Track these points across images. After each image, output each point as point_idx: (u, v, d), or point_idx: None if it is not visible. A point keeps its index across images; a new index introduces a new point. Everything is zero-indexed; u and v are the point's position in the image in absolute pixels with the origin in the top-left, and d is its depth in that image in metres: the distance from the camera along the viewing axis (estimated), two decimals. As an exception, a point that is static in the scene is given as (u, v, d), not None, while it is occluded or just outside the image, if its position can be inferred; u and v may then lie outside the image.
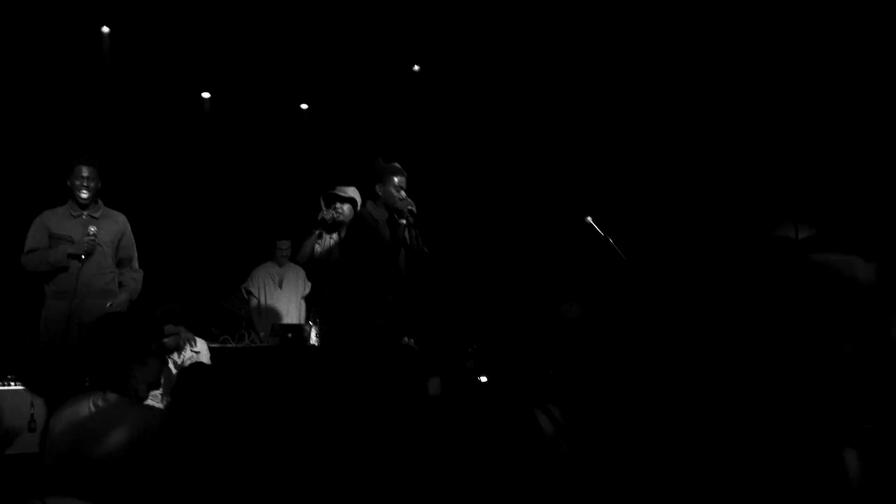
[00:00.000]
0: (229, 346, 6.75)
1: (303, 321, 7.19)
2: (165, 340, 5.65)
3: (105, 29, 7.50)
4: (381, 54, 7.90)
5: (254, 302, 7.39)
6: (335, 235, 5.88)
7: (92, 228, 5.33)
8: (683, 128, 7.20)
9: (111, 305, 5.35)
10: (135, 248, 5.74)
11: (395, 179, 5.30)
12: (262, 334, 7.09)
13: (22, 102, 7.06)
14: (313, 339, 6.57)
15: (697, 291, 5.99)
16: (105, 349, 3.12)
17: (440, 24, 7.55)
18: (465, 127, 8.21)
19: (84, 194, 5.40)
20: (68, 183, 5.44)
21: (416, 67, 8.28)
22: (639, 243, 6.30)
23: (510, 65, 7.80)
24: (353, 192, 5.87)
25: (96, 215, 5.48)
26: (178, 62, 7.83)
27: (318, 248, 5.91)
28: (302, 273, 7.37)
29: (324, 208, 5.83)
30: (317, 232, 5.88)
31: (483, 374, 4.85)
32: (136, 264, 5.73)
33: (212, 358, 6.12)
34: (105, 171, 7.06)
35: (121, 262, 5.61)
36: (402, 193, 5.27)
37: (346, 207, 5.82)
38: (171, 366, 5.73)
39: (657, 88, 7.27)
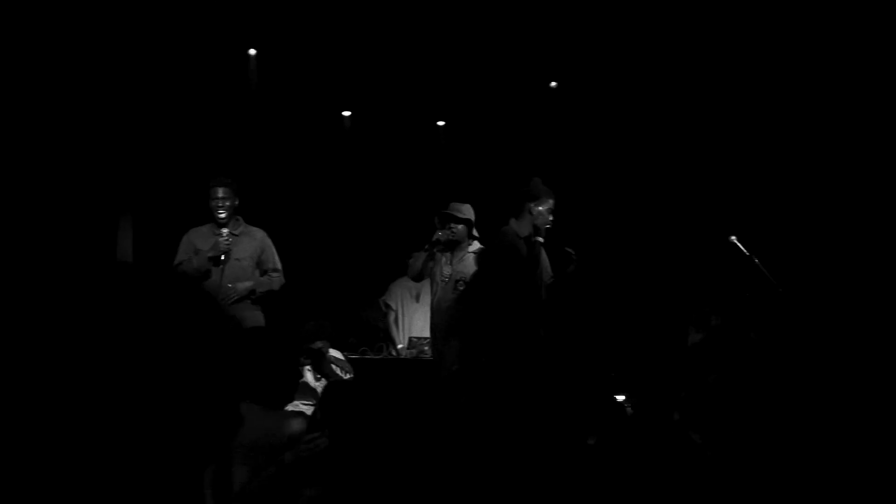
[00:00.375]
0: (368, 357, 6.93)
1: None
2: (314, 347, 5.89)
3: (252, 51, 7.77)
4: (518, 71, 7.91)
5: (392, 315, 7.52)
6: (448, 254, 5.89)
7: (224, 230, 5.65)
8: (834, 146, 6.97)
9: (232, 286, 5.61)
10: (277, 260, 5.99)
11: (550, 202, 5.54)
12: (399, 346, 7.23)
13: (173, 123, 7.37)
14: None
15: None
16: (250, 361, 3.23)
17: (576, 40, 7.53)
18: (604, 144, 8.14)
19: (221, 214, 5.71)
20: (210, 204, 5.76)
21: (553, 84, 8.25)
22: (786, 264, 6.14)
23: (653, 80, 7.70)
24: (468, 211, 5.89)
25: (236, 232, 5.80)
26: (319, 82, 8.07)
27: (430, 265, 5.95)
28: (439, 287, 7.47)
29: (439, 228, 5.83)
30: (431, 250, 5.90)
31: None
32: (276, 273, 5.97)
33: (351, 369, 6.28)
34: (248, 188, 7.40)
35: (264, 273, 5.90)
36: (551, 218, 5.35)
37: (461, 227, 5.84)
38: (310, 378, 5.92)
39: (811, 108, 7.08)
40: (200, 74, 7.44)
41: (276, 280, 5.94)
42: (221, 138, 7.65)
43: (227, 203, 5.70)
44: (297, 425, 3.17)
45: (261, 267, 5.89)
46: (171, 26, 6.95)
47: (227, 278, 5.63)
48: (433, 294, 6.00)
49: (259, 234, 5.94)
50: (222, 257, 5.62)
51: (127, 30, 6.75)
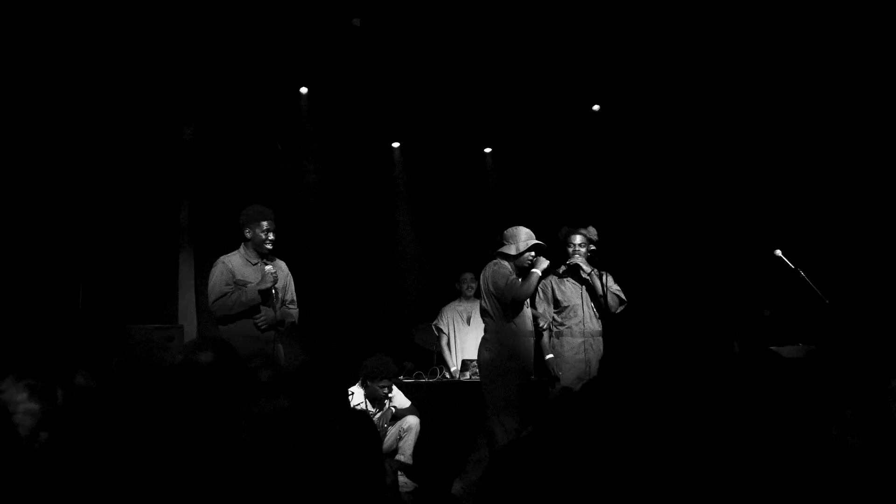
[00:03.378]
0: (423, 381, 7.05)
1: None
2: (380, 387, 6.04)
3: (303, 90, 8.04)
4: (561, 95, 8.04)
5: (444, 339, 7.65)
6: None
7: (268, 267, 5.64)
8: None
9: (258, 318, 5.57)
10: (294, 292, 5.93)
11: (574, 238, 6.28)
12: (452, 369, 7.35)
13: (223, 157, 7.63)
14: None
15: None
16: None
17: (618, 63, 7.63)
18: (647, 164, 8.21)
19: (270, 246, 5.69)
20: (248, 233, 5.68)
21: (596, 107, 8.36)
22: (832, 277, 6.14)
23: (696, 97, 7.77)
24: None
25: (268, 262, 5.75)
26: (368, 116, 8.29)
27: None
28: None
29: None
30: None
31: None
32: (293, 305, 5.90)
33: (407, 393, 6.43)
34: (304, 216, 7.60)
35: (282, 304, 5.79)
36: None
37: None
38: (367, 407, 6.08)
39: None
40: (250, 110, 7.67)
41: (296, 313, 5.91)
42: (277, 169, 7.89)
43: (273, 236, 5.69)
44: None
45: (283, 297, 5.80)
46: (224, 57, 7.17)
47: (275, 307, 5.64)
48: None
49: (285, 266, 5.91)
50: (273, 291, 5.60)
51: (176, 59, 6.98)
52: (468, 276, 7.63)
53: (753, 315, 6.75)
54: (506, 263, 5.91)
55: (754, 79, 7.43)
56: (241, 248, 5.75)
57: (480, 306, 6.08)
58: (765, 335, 6.36)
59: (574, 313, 6.22)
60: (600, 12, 6.98)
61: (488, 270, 5.94)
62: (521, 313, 5.92)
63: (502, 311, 5.87)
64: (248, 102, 7.59)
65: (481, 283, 6.00)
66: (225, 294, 5.54)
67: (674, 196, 8.12)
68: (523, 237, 5.92)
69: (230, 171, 7.58)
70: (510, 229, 6.04)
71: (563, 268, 6.31)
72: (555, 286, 6.33)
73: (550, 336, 6.28)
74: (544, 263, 5.87)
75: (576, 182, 8.38)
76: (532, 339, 6.01)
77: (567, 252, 6.28)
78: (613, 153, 8.27)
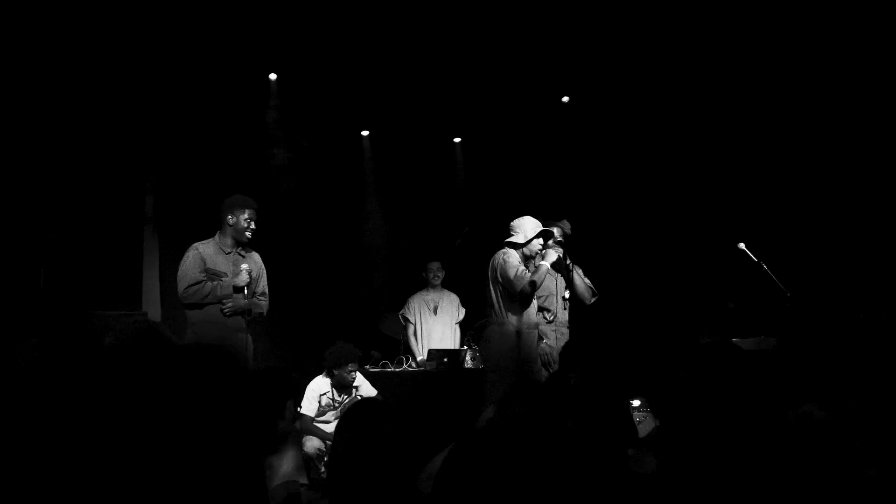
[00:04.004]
0: (389, 370, 7.06)
1: (457, 346, 7.40)
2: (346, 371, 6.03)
3: (272, 76, 7.98)
4: (531, 86, 8.06)
5: (411, 328, 7.66)
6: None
7: (245, 266, 5.56)
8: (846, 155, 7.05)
9: (225, 304, 5.50)
10: (266, 285, 5.89)
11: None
12: (419, 359, 7.36)
13: (196, 145, 7.56)
14: (469, 363, 6.75)
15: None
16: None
17: (587, 55, 7.65)
18: (614, 156, 8.26)
19: (249, 235, 5.63)
20: (230, 220, 5.59)
21: (566, 99, 8.38)
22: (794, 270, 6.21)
23: (662, 91, 7.82)
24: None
25: (244, 253, 5.70)
26: (337, 104, 8.25)
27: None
28: (456, 300, 7.64)
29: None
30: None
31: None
32: (263, 297, 5.84)
33: (373, 382, 6.42)
34: (272, 205, 7.55)
35: (253, 296, 5.74)
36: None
37: None
38: (334, 396, 6.07)
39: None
40: (222, 96, 7.59)
41: (265, 305, 5.84)
42: (243, 157, 7.79)
43: (255, 226, 5.64)
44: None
45: (255, 289, 5.74)
46: (193, 44, 7.10)
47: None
48: (560, 305, 6.19)
49: (258, 258, 5.84)
50: (245, 290, 5.54)
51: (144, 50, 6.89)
52: (435, 265, 7.64)
53: (718, 307, 6.84)
54: (514, 253, 5.94)
55: (718, 73, 7.48)
56: (217, 236, 5.66)
57: (487, 296, 6.05)
58: (729, 327, 6.44)
59: (549, 304, 6.24)
60: (570, 3, 6.99)
61: (497, 260, 5.95)
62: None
63: (509, 301, 5.88)
64: (217, 88, 7.49)
65: (489, 272, 6.00)
66: (199, 282, 5.45)
67: (640, 189, 8.17)
68: (530, 225, 5.98)
69: (197, 158, 7.50)
70: (517, 219, 6.07)
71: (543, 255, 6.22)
72: None
73: None
74: (553, 255, 5.92)
75: (545, 173, 8.40)
76: (536, 332, 6.02)
77: (545, 245, 6.20)
78: (582, 145, 8.29)
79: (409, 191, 8.85)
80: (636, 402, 5.61)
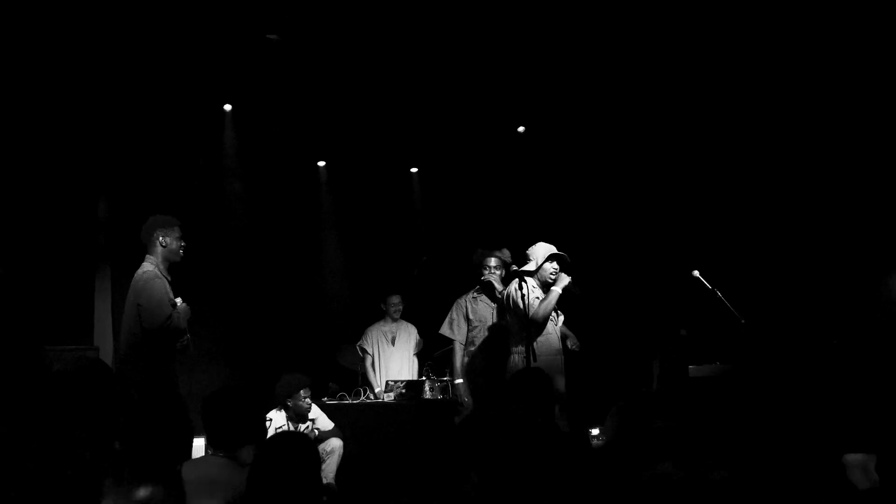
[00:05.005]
0: (346, 402, 6.97)
1: (415, 377, 7.36)
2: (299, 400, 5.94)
3: (227, 107, 7.93)
4: (487, 116, 8.10)
5: (369, 360, 7.60)
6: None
7: (178, 300, 5.26)
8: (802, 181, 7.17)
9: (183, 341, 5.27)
10: None
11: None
12: (377, 390, 7.29)
13: (150, 174, 7.42)
14: (428, 394, 6.71)
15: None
16: (224, 422, 3.36)
17: (542, 86, 7.71)
18: (570, 185, 8.31)
19: (181, 255, 5.34)
20: (162, 241, 5.26)
21: (521, 129, 8.43)
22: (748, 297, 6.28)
23: (615, 120, 7.91)
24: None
25: (169, 278, 5.37)
26: (293, 134, 8.23)
27: None
28: (413, 331, 7.59)
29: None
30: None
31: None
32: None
33: (330, 415, 6.35)
34: (227, 236, 7.44)
35: None
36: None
37: None
38: (290, 429, 5.99)
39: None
40: (176, 128, 7.50)
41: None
42: (197, 188, 7.67)
43: (184, 243, 5.37)
44: None
45: None
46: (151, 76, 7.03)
47: None
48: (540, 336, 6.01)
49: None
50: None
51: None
52: (395, 298, 7.60)
53: (671, 335, 6.88)
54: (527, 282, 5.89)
55: (669, 105, 7.60)
56: (152, 261, 5.27)
57: (502, 325, 5.98)
58: (682, 355, 6.48)
59: (484, 332, 6.22)
60: (526, 34, 7.03)
61: (511, 288, 5.88)
62: (546, 331, 5.85)
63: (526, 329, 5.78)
64: (171, 120, 7.42)
65: (504, 301, 5.95)
66: (171, 315, 5.12)
67: (595, 217, 8.23)
68: (542, 251, 5.90)
69: (150, 189, 7.39)
70: (531, 247, 6.00)
71: (477, 287, 6.37)
72: (468, 305, 6.35)
73: (463, 356, 6.28)
74: (565, 280, 5.82)
75: (502, 203, 8.43)
76: (560, 358, 5.91)
77: (482, 273, 6.32)
78: (538, 174, 8.34)
79: (367, 221, 8.82)
80: (595, 431, 5.63)
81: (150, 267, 5.24)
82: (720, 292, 5.97)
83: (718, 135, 7.59)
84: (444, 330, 6.50)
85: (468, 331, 6.34)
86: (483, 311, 6.30)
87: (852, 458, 2.95)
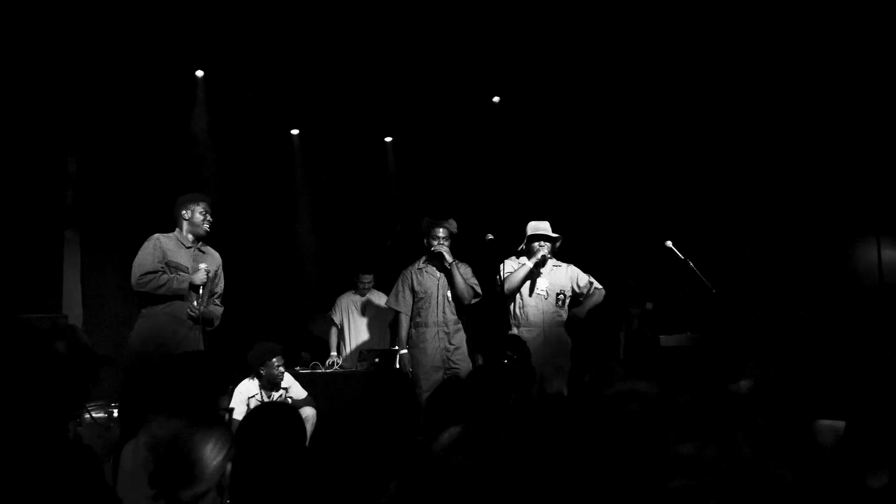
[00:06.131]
0: (319, 371, 6.96)
1: (388, 346, 7.36)
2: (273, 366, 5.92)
3: (199, 73, 7.79)
4: (462, 85, 8.04)
5: (334, 330, 7.61)
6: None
7: (203, 265, 5.43)
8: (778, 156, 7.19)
9: (193, 308, 5.37)
10: (223, 287, 5.80)
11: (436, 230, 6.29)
12: (339, 361, 7.30)
13: (120, 140, 7.33)
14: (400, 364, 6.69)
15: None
16: (194, 384, 3.31)
17: (518, 56, 7.65)
18: (544, 154, 8.29)
19: (207, 228, 5.53)
20: (185, 215, 5.49)
21: (496, 99, 8.38)
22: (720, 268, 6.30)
23: (589, 91, 7.87)
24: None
25: (203, 250, 5.60)
26: (267, 102, 8.11)
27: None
28: (385, 300, 7.54)
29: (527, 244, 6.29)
30: (542, 265, 6.30)
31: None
32: (219, 301, 5.76)
33: (303, 383, 6.33)
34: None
35: (211, 296, 5.64)
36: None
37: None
38: (263, 398, 5.96)
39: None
40: (149, 92, 7.37)
41: (220, 312, 5.73)
42: (169, 155, 7.58)
43: (212, 218, 5.55)
44: None
45: (212, 288, 5.64)
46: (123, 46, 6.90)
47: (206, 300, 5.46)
48: (518, 304, 6.20)
49: (217, 256, 5.73)
50: (202, 289, 5.39)
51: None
52: (366, 277, 7.58)
53: (638, 307, 6.90)
54: (510, 260, 6.23)
55: (647, 71, 7.56)
56: (176, 231, 5.52)
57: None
58: (649, 325, 6.52)
59: (428, 303, 6.25)
60: (501, 3, 6.97)
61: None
62: (525, 304, 6.19)
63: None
64: (142, 84, 7.27)
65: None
66: (156, 272, 5.27)
67: (567, 186, 8.20)
68: (529, 230, 6.23)
69: (120, 156, 7.27)
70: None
71: (424, 258, 6.37)
72: (414, 276, 6.36)
73: (410, 328, 6.32)
74: (537, 255, 6.14)
75: (476, 172, 8.39)
76: (538, 331, 6.16)
77: (430, 242, 6.30)
78: (512, 144, 8.30)
79: (341, 190, 8.76)
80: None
81: (165, 234, 5.47)
82: (692, 262, 5.98)
83: (689, 104, 7.59)
84: (391, 301, 6.47)
85: (413, 302, 6.32)
86: (429, 282, 6.28)
87: (824, 423, 2.98)
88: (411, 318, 6.31)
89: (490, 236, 5.99)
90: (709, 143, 7.55)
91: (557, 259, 6.33)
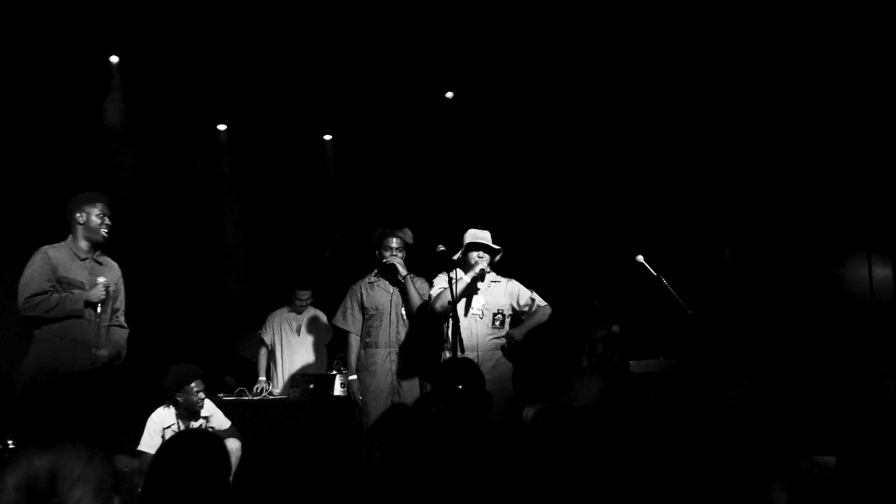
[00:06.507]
0: (246, 398, 6.84)
1: (325, 371, 7.22)
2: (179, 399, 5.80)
3: (114, 58, 7.63)
4: (412, 79, 8.01)
5: (264, 351, 7.49)
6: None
7: (102, 279, 5.32)
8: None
9: (95, 363, 5.27)
10: (124, 300, 5.68)
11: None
12: (261, 381, 7.22)
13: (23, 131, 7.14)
14: (339, 391, 6.62)
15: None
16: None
17: (477, 46, 7.63)
18: (503, 155, 8.28)
19: (105, 232, 5.41)
20: (80, 218, 5.38)
21: (450, 94, 8.35)
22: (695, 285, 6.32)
23: (556, 87, 7.89)
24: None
25: (100, 260, 5.48)
26: (192, 92, 7.99)
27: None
28: (323, 318, 7.47)
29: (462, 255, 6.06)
30: (480, 280, 6.03)
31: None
32: (122, 318, 5.65)
33: (228, 412, 6.21)
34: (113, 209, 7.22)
35: (112, 313, 5.56)
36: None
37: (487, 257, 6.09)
38: (181, 428, 5.83)
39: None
40: (55, 79, 7.18)
41: (125, 335, 5.63)
42: (83, 153, 7.45)
43: (110, 221, 5.44)
44: None
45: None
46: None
47: (103, 317, 5.35)
48: (450, 325, 5.87)
49: (116, 267, 5.64)
50: (99, 307, 5.29)
51: None
52: (305, 294, 7.49)
53: (604, 329, 6.90)
54: (441, 276, 5.88)
55: (620, 65, 7.59)
56: (69, 240, 5.41)
57: None
58: (616, 351, 6.51)
59: (380, 321, 6.23)
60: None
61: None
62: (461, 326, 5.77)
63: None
64: (53, 74, 7.13)
65: None
66: (44, 292, 5.16)
67: (527, 192, 8.21)
68: (467, 238, 5.99)
69: (29, 153, 7.11)
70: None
71: (375, 271, 6.34)
72: (364, 292, 6.32)
73: (360, 350, 6.30)
74: (475, 268, 5.88)
75: (427, 176, 8.37)
76: (474, 355, 5.79)
77: (382, 254, 6.28)
78: (467, 145, 8.29)
79: (274, 193, 8.68)
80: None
81: (54, 245, 5.36)
82: (665, 280, 5.97)
83: (669, 100, 7.63)
84: (337, 320, 6.44)
85: (364, 320, 6.27)
86: (380, 297, 6.26)
87: (813, 460, 2.98)
88: (361, 339, 6.25)
89: (441, 248, 5.85)
90: (689, 145, 7.59)
91: (497, 273, 6.13)
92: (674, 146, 7.66)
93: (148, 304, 7.71)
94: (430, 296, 5.96)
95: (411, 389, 6.08)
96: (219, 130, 8.69)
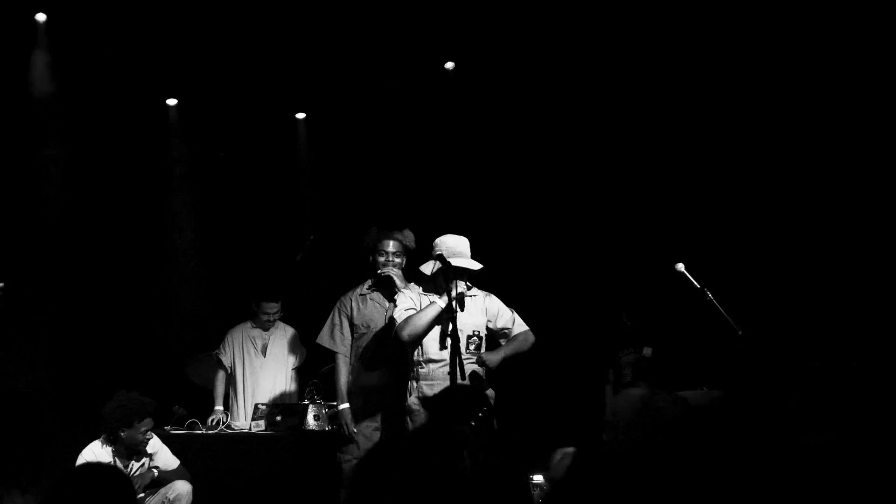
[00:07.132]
0: (198, 432, 6.82)
1: (294, 399, 7.26)
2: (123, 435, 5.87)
3: (40, 16, 7.66)
4: (404, 45, 8.03)
5: (221, 374, 7.44)
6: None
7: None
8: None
9: None
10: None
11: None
12: (218, 412, 7.24)
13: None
14: (311, 424, 6.64)
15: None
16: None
17: (483, 9, 7.66)
18: (512, 142, 8.26)
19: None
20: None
21: (450, 65, 8.36)
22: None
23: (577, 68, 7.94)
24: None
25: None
26: (135, 62, 8.01)
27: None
28: (293, 335, 7.48)
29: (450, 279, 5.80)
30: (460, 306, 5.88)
31: None
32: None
33: (176, 450, 6.23)
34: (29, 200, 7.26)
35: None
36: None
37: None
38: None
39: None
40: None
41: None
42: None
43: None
44: None
45: None
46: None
47: None
48: (418, 351, 5.84)
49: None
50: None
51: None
52: (272, 307, 7.43)
53: (633, 352, 6.88)
54: (412, 290, 5.90)
55: (642, 49, 7.69)
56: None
57: None
58: (647, 379, 6.48)
59: (372, 340, 6.23)
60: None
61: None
62: (430, 355, 5.79)
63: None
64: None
65: None
66: None
67: (544, 186, 8.21)
68: (443, 251, 5.73)
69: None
70: (438, 238, 5.86)
71: (369, 282, 6.34)
72: (354, 306, 6.33)
73: (349, 373, 6.31)
74: (453, 291, 5.61)
75: (420, 162, 8.38)
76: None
77: (377, 261, 6.25)
78: (470, 126, 8.30)
79: (234, 184, 8.69)
80: (538, 479, 5.56)
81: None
82: (711, 293, 5.92)
83: (697, 88, 7.70)
84: (323, 339, 6.42)
85: (353, 339, 6.29)
86: (372, 312, 6.27)
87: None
88: (351, 359, 6.28)
89: (439, 251, 5.77)
90: (735, 136, 7.60)
91: (474, 285, 5.96)
92: (722, 128, 7.65)
93: (79, 317, 7.74)
94: (392, 318, 5.87)
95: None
96: (168, 106, 8.67)
